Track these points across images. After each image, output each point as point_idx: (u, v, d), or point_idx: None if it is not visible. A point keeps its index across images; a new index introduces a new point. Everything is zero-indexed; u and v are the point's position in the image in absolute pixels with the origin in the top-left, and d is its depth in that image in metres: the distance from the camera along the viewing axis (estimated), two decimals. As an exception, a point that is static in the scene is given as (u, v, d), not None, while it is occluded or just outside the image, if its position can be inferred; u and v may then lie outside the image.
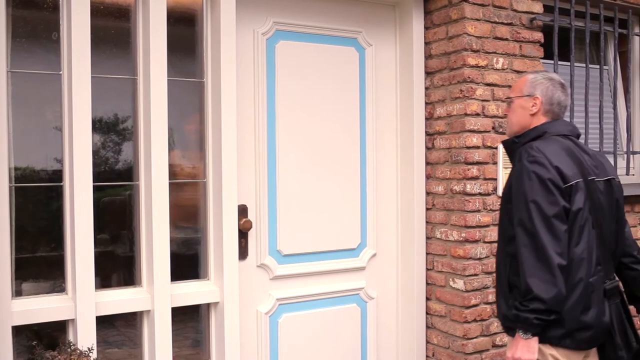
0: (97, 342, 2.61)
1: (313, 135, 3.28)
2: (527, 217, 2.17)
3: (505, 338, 3.42)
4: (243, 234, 3.06)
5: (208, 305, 2.97)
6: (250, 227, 3.06)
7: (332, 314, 3.36)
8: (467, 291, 3.24)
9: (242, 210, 3.05)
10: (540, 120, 2.39)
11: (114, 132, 2.83)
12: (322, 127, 3.31)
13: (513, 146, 2.41)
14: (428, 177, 3.47)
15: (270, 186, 3.15)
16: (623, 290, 2.43)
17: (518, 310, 2.17)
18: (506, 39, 3.38)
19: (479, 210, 3.30)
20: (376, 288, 3.51)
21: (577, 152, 2.32)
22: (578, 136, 2.44)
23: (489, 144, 3.32)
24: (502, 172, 3.36)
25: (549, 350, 2.23)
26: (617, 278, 2.39)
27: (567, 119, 3.61)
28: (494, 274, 2.40)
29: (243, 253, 3.07)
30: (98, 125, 2.75)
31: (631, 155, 4.02)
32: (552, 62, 3.56)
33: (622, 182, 3.90)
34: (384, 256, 3.53)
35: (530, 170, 2.19)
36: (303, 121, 3.25)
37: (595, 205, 2.27)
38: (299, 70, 3.23)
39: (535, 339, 2.19)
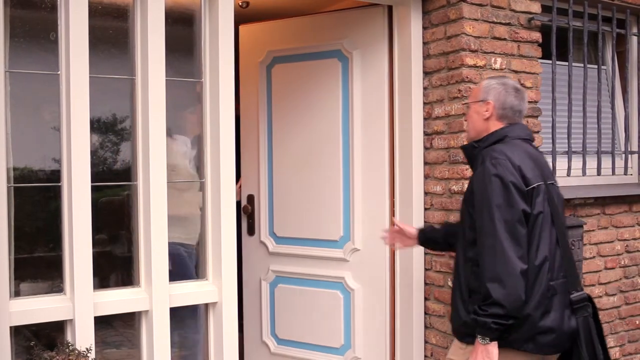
0: (96, 343, 2.61)
1: (304, 139, 3.79)
2: (490, 222, 2.17)
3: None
4: (250, 215, 3.97)
5: (206, 305, 2.97)
6: (249, 211, 3.95)
7: (317, 294, 3.78)
8: (465, 291, 3.25)
9: (250, 198, 3.96)
10: (496, 125, 2.41)
11: (112, 132, 2.84)
12: (311, 133, 3.78)
13: (473, 151, 2.42)
14: (426, 177, 3.48)
15: (269, 180, 3.90)
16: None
17: (477, 315, 2.17)
18: (504, 39, 3.38)
19: (477, 210, 3.30)
20: (361, 282, 3.66)
21: (536, 156, 2.35)
22: (532, 140, 2.49)
23: (487, 144, 3.33)
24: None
25: (513, 355, 2.22)
26: (584, 290, 2.37)
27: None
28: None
29: (251, 230, 3.99)
30: (96, 125, 2.75)
31: (629, 155, 4.02)
32: (550, 62, 3.56)
33: (620, 182, 3.96)
34: (373, 253, 3.61)
35: (492, 173, 2.21)
36: (295, 128, 3.84)
37: (554, 209, 2.28)
38: (289, 85, 3.84)
39: (494, 344, 2.18)
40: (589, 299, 2.35)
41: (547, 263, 2.23)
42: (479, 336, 2.19)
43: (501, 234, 2.14)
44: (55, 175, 2.66)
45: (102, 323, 2.74)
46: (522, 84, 3.44)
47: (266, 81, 3.91)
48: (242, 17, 4.06)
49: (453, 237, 2.60)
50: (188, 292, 2.88)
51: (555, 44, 3.55)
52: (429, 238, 2.81)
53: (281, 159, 3.87)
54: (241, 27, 4.06)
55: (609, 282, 3.87)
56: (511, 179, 2.19)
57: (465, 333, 2.29)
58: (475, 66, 3.27)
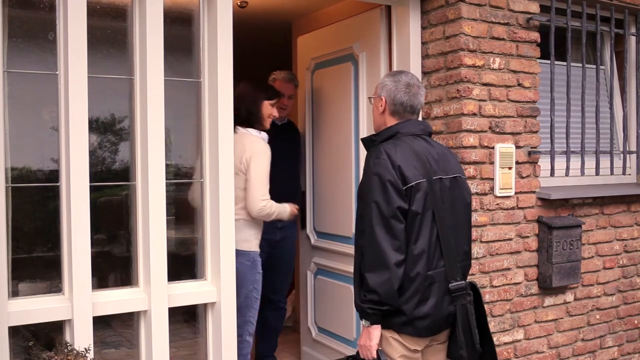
0: (94, 343, 2.61)
1: (330, 140, 4.03)
2: (368, 217, 2.33)
3: (503, 337, 3.43)
4: (301, 211, 4.04)
5: (205, 305, 2.97)
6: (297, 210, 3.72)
7: (338, 287, 3.94)
8: (464, 291, 3.24)
9: (302, 194, 4.30)
10: (391, 120, 2.52)
11: (110, 132, 2.83)
12: (337, 133, 3.97)
13: (371, 144, 2.54)
14: (425, 176, 3.47)
15: (312, 177, 4.25)
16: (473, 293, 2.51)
17: (360, 301, 2.37)
18: (503, 39, 3.38)
19: (475, 210, 3.30)
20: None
21: (424, 153, 2.43)
22: (430, 134, 2.57)
23: (485, 144, 3.33)
24: (499, 172, 3.36)
25: (393, 335, 2.40)
26: (464, 280, 2.48)
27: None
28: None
29: (302, 223, 4.31)
30: (95, 125, 2.75)
31: (627, 155, 4.03)
32: (548, 62, 3.57)
33: (618, 182, 3.96)
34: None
35: (373, 171, 2.35)
36: (324, 128, 4.14)
37: (438, 203, 2.39)
38: (322, 89, 4.15)
39: (376, 327, 2.36)
40: (472, 287, 2.50)
41: (424, 255, 2.35)
42: (362, 320, 2.38)
43: (377, 229, 2.29)
44: (53, 175, 2.65)
45: (101, 323, 2.73)
46: (520, 84, 3.45)
47: (310, 86, 4.26)
48: (241, 17, 4.07)
49: None
50: (187, 292, 2.88)
51: (554, 44, 3.56)
52: None
53: (318, 157, 4.21)
54: (299, 39, 4.46)
55: (607, 282, 3.87)
56: (389, 178, 2.31)
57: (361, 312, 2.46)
58: (473, 66, 3.28)
